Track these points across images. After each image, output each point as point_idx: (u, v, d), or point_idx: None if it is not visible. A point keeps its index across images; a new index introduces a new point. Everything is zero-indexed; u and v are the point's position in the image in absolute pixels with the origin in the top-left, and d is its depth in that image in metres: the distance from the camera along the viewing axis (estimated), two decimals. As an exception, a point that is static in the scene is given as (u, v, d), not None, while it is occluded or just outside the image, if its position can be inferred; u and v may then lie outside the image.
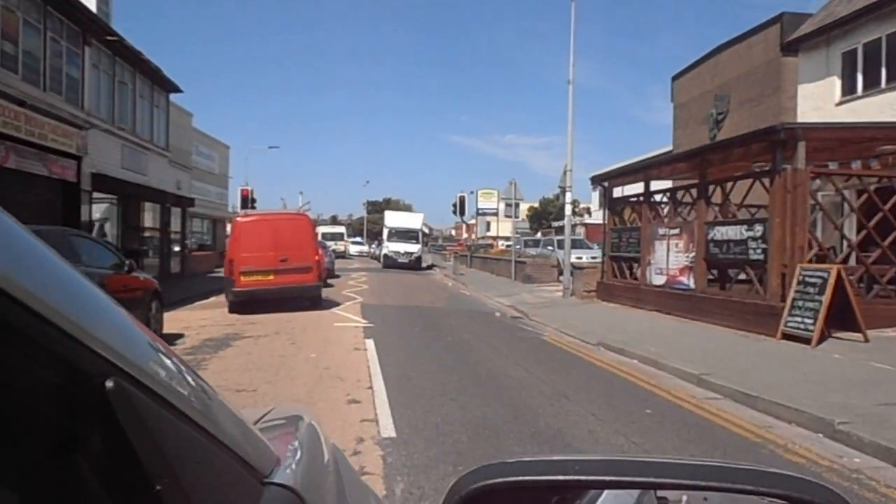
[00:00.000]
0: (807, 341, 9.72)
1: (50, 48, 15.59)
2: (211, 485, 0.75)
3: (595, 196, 53.34)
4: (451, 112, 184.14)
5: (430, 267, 38.75)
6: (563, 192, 19.16)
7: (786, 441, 5.66)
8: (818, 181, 12.36)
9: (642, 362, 9.40)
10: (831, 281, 9.65)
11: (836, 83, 18.02)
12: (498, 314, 15.70)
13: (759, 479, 0.79)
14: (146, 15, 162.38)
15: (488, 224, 69.52)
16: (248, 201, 35.89)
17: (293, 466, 0.99)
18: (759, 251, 11.15)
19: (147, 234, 24.11)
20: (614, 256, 17.14)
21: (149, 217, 24.15)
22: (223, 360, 8.44)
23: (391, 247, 36.65)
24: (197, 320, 13.03)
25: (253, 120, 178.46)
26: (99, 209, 20.49)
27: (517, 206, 27.15)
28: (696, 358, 9.19)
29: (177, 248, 27.26)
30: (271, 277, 14.43)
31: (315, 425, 1.36)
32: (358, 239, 66.11)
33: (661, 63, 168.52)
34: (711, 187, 12.91)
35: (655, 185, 16.29)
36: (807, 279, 10.09)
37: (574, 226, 53.73)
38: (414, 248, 36.58)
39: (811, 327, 9.74)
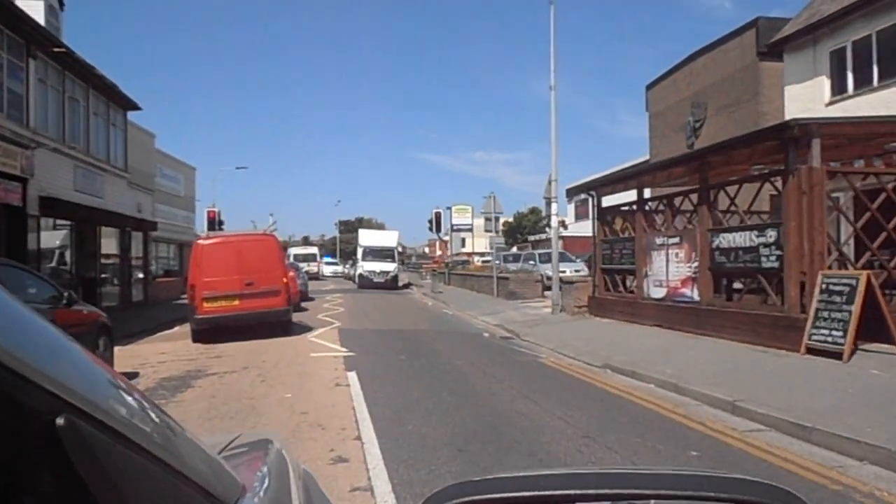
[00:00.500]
0: (836, 356, 8.79)
1: (-12, 60, 14.24)
2: None
3: (571, 208, 52.85)
4: (420, 129, 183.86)
5: (406, 286, 37.57)
6: (549, 202, 18.23)
7: (870, 487, 4.66)
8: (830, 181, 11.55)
9: (660, 387, 8.38)
10: (860, 288, 8.77)
11: (825, 83, 17.47)
12: (486, 335, 14.61)
13: (716, 484, 0.80)
14: (107, 37, 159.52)
15: (463, 240, 68.69)
16: (215, 223, 34.38)
17: (260, 495, 1.00)
18: (773, 258, 10.25)
19: (108, 260, 22.56)
20: (606, 269, 16.19)
21: (111, 243, 22.60)
22: (181, 405, 7.15)
23: (366, 266, 35.42)
24: (156, 355, 11.68)
25: (220, 141, 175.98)
26: (58, 236, 19.02)
27: (497, 219, 26.18)
28: (719, 380, 8.20)
29: (140, 275, 25.68)
30: (236, 303, 13.36)
31: (283, 451, 1.34)
32: (332, 259, 64.49)
33: (625, 76, 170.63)
34: (713, 192, 12.04)
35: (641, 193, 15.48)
36: (831, 287, 9.20)
37: (550, 240, 53.41)
38: (390, 266, 35.41)
39: (840, 340, 8.83)
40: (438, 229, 37.52)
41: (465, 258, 56.74)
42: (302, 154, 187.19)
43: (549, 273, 26.16)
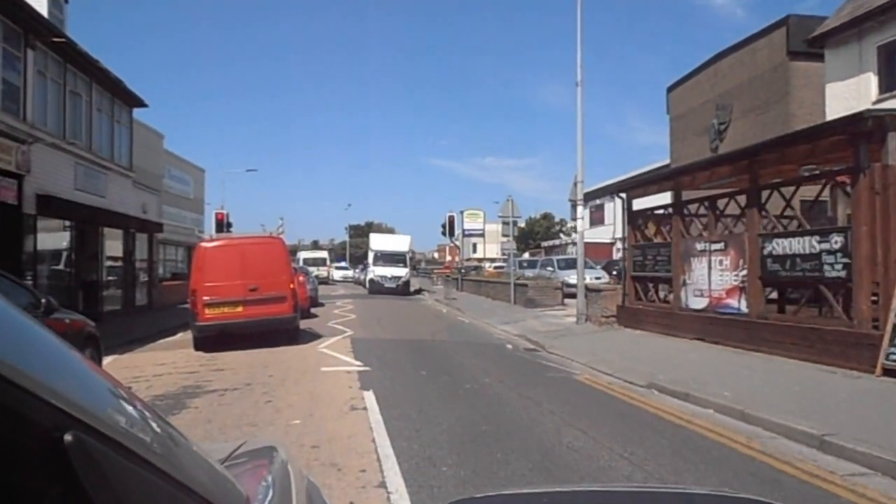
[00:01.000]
0: (922, 379, 7.69)
1: (-19, 48, 13.39)
2: None
3: (585, 214, 51.78)
4: (430, 135, 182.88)
5: (418, 291, 36.54)
6: (574, 205, 17.13)
7: None
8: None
9: (721, 412, 7.30)
10: (951, 303, 7.67)
11: (872, 80, 16.33)
12: (509, 346, 13.55)
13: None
14: (117, 36, 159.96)
15: (474, 246, 67.94)
16: (223, 226, 33.42)
17: None
18: (838, 266, 9.14)
19: (114, 263, 21.69)
20: (638, 276, 15.07)
21: (117, 245, 21.73)
22: (172, 431, 6.14)
23: (377, 271, 34.43)
24: (153, 366, 10.70)
25: (230, 144, 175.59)
26: (66, 237, 18.15)
27: (515, 223, 25.11)
28: (791, 406, 7.11)
29: (145, 278, 24.79)
30: (240, 309, 12.46)
31: (288, 460, 1.35)
32: (342, 263, 63.56)
33: (635, 82, 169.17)
34: (765, 193, 10.93)
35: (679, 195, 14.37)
36: (913, 301, 8.10)
37: (565, 245, 52.23)
38: (401, 272, 34.41)
39: (927, 362, 7.72)
40: (452, 234, 36.47)
41: (475, 264, 55.76)
42: (312, 158, 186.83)
43: (570, 280, 25.13)
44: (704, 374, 9.36)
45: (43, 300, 6.97)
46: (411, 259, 41.02)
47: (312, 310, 21.20)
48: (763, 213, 10.86)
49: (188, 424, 6.34)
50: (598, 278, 24.37)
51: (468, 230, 41.96)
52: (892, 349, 8.19)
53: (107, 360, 10.92)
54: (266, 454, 1.36)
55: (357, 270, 53.47)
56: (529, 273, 28.53)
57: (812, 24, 20.58)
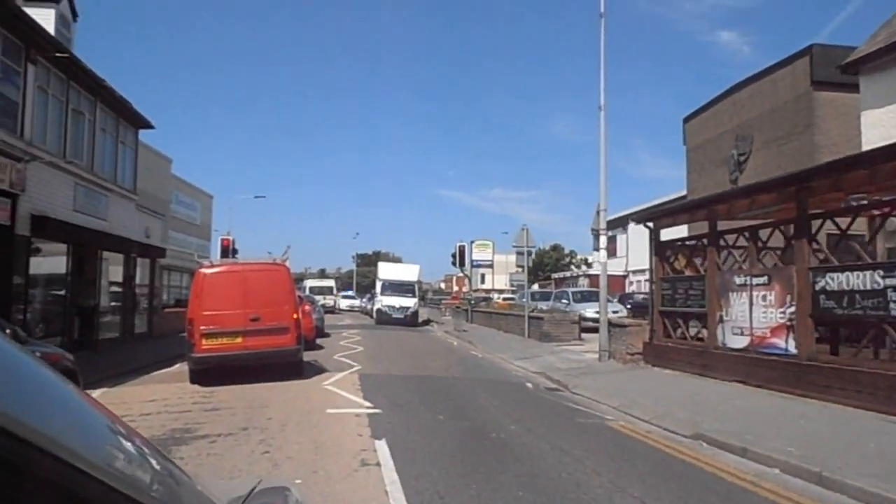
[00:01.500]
0: None
1: (-22, 60, 12.74)
2: None
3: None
4: (439, 166, 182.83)
5: (426, 322, 35.50)
6: (596, 235, 16.21)
7: None
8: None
9: (790, 474, 6.27)
10: None
11: (913, 107, 15.48)
12: (529, 385, 12.52)
13: None
14: (125, 60, 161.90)
15: (482, 276, 67.05)
16: (228, 252, 32.66)
17: None
18: (907, 305, 8.16)
19: (116, 288, 20.85)
20: (666, 311, 14.06)
21: (119, 270, 20.91)
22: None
23: (385, 301, 33.47)
24: (141, 403, 9.73)
25: (239, 172, 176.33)
26: (61, 261, 17.33)
27: (530, 253, 24.19)
28: (875, 468, 6.07)
29: (146, 305, 23.91)
30: (240, 340, 11.60)
31: (301, 501, 1.36)
32: (349, 292, 62.66)
33: (644, 117, 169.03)
34: (816, 223, 9.99)
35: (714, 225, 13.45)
36: None
37: (576, 277, 51.19)
38: (410, 302, 33.43)
39: None
40: (462, 264, 35.61)
41: (483, 295, 54.77)
42: (320, 187, 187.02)
43: (587, 313, 24.12)
44: (755, 422, 8.33)
45: (7, 329, 6.10)
46: (420, 289, 40.10)
47: (318, 340, 20.21)
48: (815, 244, 9.90)
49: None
50: (615, 312, 23.33)
51: (477, 261, 41.15)
52: (980, 401, 7.16)
53: (94, 395, 9.97)
54: (279, 494, 1.35)
55: (364, 300, 52.56)
56: (542, 305, 27.52)
57: (837, 53, 19.85)
